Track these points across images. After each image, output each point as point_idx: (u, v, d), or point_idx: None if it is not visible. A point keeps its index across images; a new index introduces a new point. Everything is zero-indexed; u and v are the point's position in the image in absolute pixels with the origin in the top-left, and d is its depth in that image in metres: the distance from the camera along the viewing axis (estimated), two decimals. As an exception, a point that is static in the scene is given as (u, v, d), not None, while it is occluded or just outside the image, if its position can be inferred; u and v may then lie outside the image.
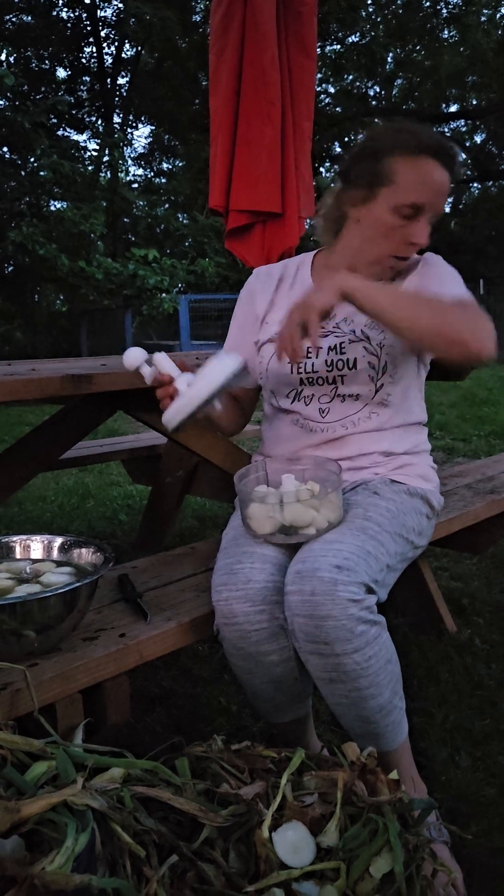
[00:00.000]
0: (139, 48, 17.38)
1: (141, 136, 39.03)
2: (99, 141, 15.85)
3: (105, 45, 17.28)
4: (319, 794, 1.08)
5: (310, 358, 1.51)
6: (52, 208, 13.16)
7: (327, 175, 18.34)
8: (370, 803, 1.04)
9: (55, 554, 1.44)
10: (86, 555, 1.40)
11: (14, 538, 1.45)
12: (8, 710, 1.09)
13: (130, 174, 18.01)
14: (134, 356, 1.35)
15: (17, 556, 1.44)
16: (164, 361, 1.33)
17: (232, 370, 1.26)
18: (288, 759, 1.14)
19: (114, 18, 16.84)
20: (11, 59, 15.74)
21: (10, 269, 14.08)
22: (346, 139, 18.52)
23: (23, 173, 12.90)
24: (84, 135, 18.40)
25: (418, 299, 1.31)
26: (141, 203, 15.20)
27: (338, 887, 0.96)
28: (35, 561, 1.42)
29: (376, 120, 16.63)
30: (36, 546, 1.45)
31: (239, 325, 1.67)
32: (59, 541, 1.44)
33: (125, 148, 16.63)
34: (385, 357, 1.48)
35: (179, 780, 1.06)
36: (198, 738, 1.22)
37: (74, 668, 1.19)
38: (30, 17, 16.05)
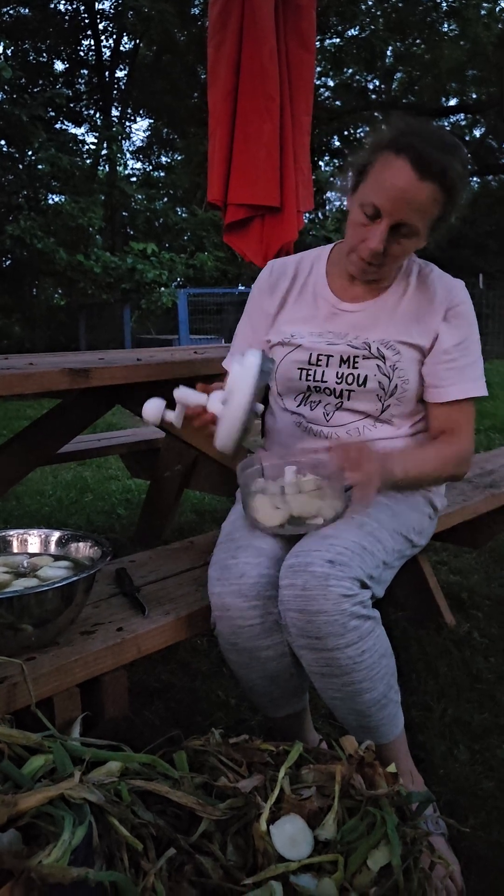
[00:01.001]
0: (137, 41, 17.29)
1: (139, 129, 38.87)
2: (97, 134, 15.77)
3: (103, 37, 17.17)
4: (317, 787, 1.08)
5: (319, 366, 1.49)
6: (51, 202, 13.11)
7: (327, 169, 18.29)
8: (368, 796, 1.04)
9: (52, 548, 1.43)
10: (83, 549, 1.40)
11: (11, 532, 1.45)
12: (5, 704, 1.09)
13: (129, 168, 17.96)
14: (153, 408, 1.31)
15: (15, 550, 1.44)
16: (186, 394, 1.31)
17: (257, 366, 1.23)
18: (286, 752, 1.15)
19: (112, 11, 16.74)
20: (9, 51, 15.66)
21: (7, 262, 14.02)
22: (346, 133, 18.45)
23: (20, 166, 12.83)
24: (82, 128, 18.30)
25: (422, 476, 1.45)
26: (139, 197, 15.14)
27: (335, 880, 0.96)
28: (32, 555, 1.42)
29: (376, 114, 16.58)
30: (33, 540, 1.44)
31: (251, 323, 1.63)
32: (56, 535, 1.44)
33: (123, 141, 16.57)
34: (397, 379, 1.46)
35: (177, 773, 1.06)
36: (196, 731, 1.22)
37: (72, 662, 1.19)
38: (27, 10, 15.95)
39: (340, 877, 0.96)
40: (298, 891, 0.94)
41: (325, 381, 1.49)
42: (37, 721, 1.07)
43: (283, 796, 1.05)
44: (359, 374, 1.46)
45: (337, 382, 1.48)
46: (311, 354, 1.49)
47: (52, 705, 1.17)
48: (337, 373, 1.47)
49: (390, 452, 1.42)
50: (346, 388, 1.47)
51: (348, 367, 1.47)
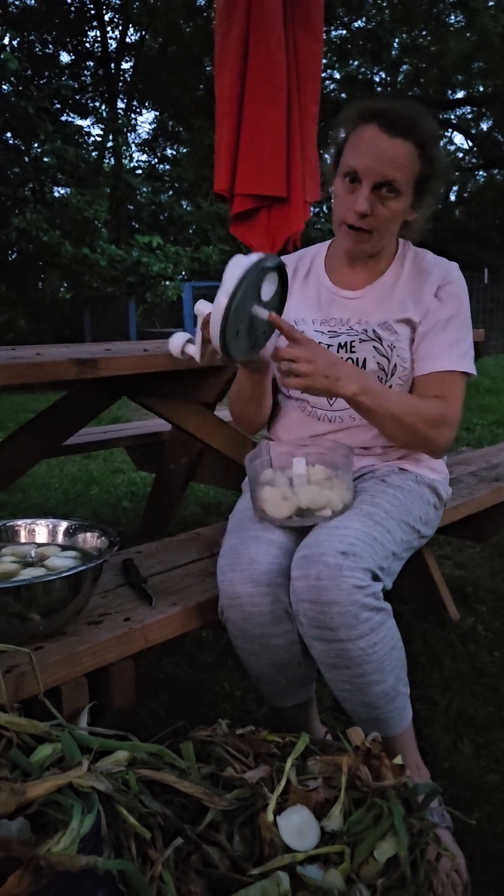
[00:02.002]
0: (143, 32, 17.23)
1: (145, 121, 38.69)
2: (103, 126, 15.73)
3: (109, 28, 17.14)
4: (324, 778, 1.08)
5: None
6: (56, 194, 13.08)
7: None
8: (374, 788, 1.04)
9: (60, 538, 1.44)
10: (91, 539, 1.40)
11: (19, 522, 1.45)
12: (13, 693, 1.09)
13: (134, 160, 17.86)
14: (176, 339, 1.31)
15: (22, 540, 1.44)
16: (202, 305, 1.24)
17: (257, 258, 1.18)
18: (292, 743, 1.15)
19: (118, 2, 16.69)
20: (15, 42, 15.59)
21: (13, 255, 14.01)
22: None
23: (26, 159, 12.81)
24: (88, 120, 18.28)
25: (398, 419, 1.39)
26: (145, 189, 15.10)
27: (342, 871, 0.96)
28: (40, 545, 1.42)
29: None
30: (41, 530, 1.44)
31: None
32: (63, 525, 1.44)
33: (129, 134, 16.51)
34: (396, 359, 1.47)
35: (184, 763, 1.06)
36: (202, 723, 1.22)
37: (79, 651, 1.19)
38: (33, 1, 15.91)
39: (347, 868, 0.96)
40: (305, 881, 0.94)
41: None
42: (44, 710, 1.07)
43: (290, 787, 1.05)
44: (357, 358, 1.48)
45: None
46: None
47: (59, 695, 1.17)
48: None
49: (357, 370, 1.36)
50: None
51: (346, 352, 1.49)
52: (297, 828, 1.00)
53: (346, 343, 1.49)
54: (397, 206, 1.41)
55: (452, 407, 1.47)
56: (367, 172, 1.37)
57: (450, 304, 1.49)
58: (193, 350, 1.30)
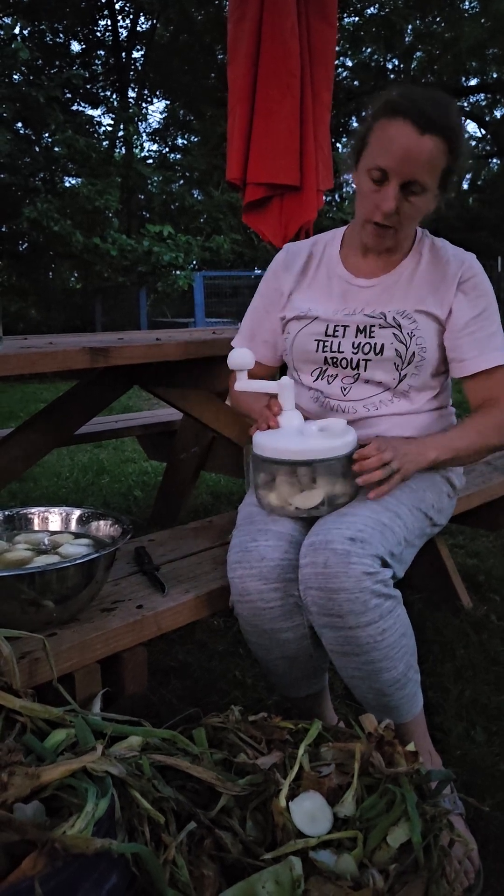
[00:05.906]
0: (154, 21, 17.14)
1: (156, 110, 38.49)
2: (114, 116, 15.68)
3: (120, 17, 17.06)
4: (336, 765, 1.08)
5: (336, 336, 1.49)
6: (67, 184, 13.06)
7: (344, 150, 18.05)
8: (387, 774, 1.04)
9: (73, 526, 1.44)
10: (104, 527, 1.41)
11: (32, 510, 1.46)
12: (27, 679, 1.10)
13: (145, 150, 17.79)
14: (244, 358, 1.36)
15: (36, 528, 1.45)
16: (288, 391, 1.36)
17: (344, 454, 1.30)
18: (305, 730, 1.15)
19: (129, -10, 16.62)
20: (25, 32, 15.54)
21: (24, 245, 14.03)
22: (364, 113, 18.18)
23: (37, 149, 12.80)
24: (98, 110, 18.24)
25: (460, 450, 1.43)
26: (156, 179, 15.05)
27: (355, 856, 0.96)
28: (53, 532, 1.43)
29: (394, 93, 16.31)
30: (54, 518, 1.45)
31: (264, 302, 1.64)
32: (77, 513, 1.45)
33: (140, 123, 16.45)
34: (414, 347, 1.45)
35: (197, 749, 1.07)
36: (213, 710, 1.22)
37: (92, 638, 1.20)
38: (44, -10, 15.84)
39: (360, 853, 0.97)
40: (318, 866, 0.94)
41: (342, 352, 1.48)
42: (58, 696, 1.08)
43: (303, 773, 1.05)
44: (375, 343, 1.46)
45: (353, 352, 1.47)
46: (327, 326, 1.49)
47: (72, 681, 1.18)
48: (353, 342, 1.47)
49: (424, 438, 1.42)
50: (363, 358, 1.47)
51: (365, 337, 1.47)
52: (309, 813, 1.00)
53: (364, 327, 1.47)
54: (422, 203, 1.39)
55: None
56: (396, 172, 1.33)
57: (478, 301, 1.47)
58: (244, 378, 1.38)
